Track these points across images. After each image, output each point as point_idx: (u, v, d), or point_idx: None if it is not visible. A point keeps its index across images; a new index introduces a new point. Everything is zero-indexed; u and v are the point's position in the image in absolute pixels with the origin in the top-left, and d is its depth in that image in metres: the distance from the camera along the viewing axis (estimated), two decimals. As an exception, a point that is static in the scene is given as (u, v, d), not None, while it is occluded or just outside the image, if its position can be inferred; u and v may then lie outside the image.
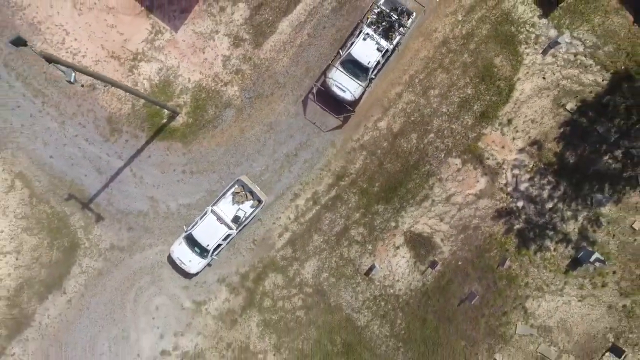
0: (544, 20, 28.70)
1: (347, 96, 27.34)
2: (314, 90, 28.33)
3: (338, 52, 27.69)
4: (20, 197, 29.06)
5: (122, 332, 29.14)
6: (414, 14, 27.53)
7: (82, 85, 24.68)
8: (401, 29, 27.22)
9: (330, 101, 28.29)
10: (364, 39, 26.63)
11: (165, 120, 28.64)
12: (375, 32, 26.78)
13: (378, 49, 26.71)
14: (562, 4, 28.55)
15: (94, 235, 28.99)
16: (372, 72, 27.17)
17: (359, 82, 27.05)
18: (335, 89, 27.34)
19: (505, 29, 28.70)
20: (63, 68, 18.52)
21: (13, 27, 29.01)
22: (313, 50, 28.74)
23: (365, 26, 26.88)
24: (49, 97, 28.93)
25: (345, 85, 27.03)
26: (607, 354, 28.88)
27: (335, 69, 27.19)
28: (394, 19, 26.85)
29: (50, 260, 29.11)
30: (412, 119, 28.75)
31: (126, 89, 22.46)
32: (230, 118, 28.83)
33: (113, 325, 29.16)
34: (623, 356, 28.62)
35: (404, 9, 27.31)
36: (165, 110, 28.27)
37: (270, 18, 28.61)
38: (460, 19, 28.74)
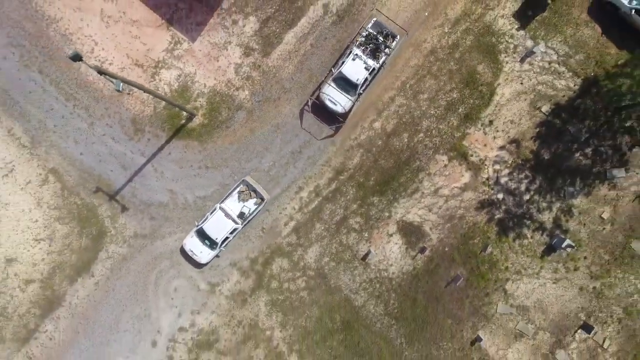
0: (522, 32, 32.06)
1: (339, 109, 30.68)
2: (310, 103, 31.70)
3: (330, 70, 30.99)
4: (53, 190, 32.42)
5: (144, 311, 32.42)
6: (398, 37, 30.85)
7: (129, 93, 27.71)
8: (386, 50, 30.53)
9: (324, 113, 31.63)
10: (354, 59, 30.01)
11: (183, 121, 32.00)
12: (363, 53, 30.14)
13: (366, 68, 30.08)
14: (538, 17, 31.92)
15: (119, 224, 32.33)
16: (360, 88, 30.50)
17: (348, 96, 30.39)
18: (328, 103, 30.67)
19: (487, 39, 32.07)
20: (113, 79, 21.82)
21: (47, 37, 32.40)
22: (315, 58, 32.12)
23: (354, 47, 30.25)
24: (79, 101, 32.29)
25: (336, 99, 30.38)
26: (579, 330, 32.16)
27: (328, 85, 30.52)
28: (380, 41, 30.22)
29: (79, 246, 32.45)
30: (404, 120, 32.11)
31: (156, 95, 25.84)
32: (241, 119, 32.20)
33: (136, 305, 32.45)
34: (593, 332, 31.92)
35: (389, 33, 30.64)
36: (184, 112, 31.62)
37: (277, 30, 32.00)
38: (446, 30, 32.11)
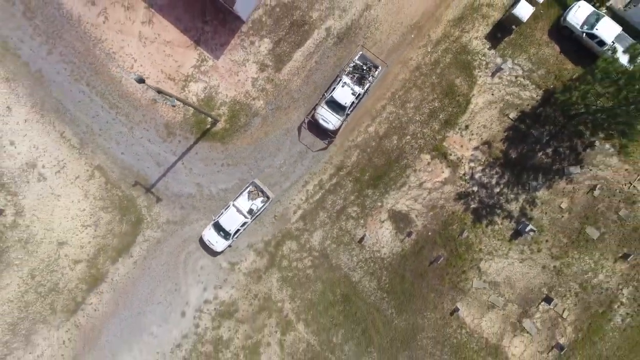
0: (492, 51, 38.11)
1: (330, 127, 36.67)
2: (306, 121, 37.75)
3: (323, 95, 36.97)
4: (98, 184, 38.43)
5: (175, 286, 38.30)
6: (380, 67, 36.90)
7: (174, 106, 33.68)
8: (370, 78, 36.56)
9: (318, 129, 37.57)
10: (343, 86, 36.10)
11: (208, 126, 38.03)
12: (351, 81, 36.17)
13: (353, 93, 36.14)
14: (506, 38, 37.98)
15: (154, 212, 38.30)
16: (348, 110, 36.52)
17: (338, 117, 36.41)
18: (321, 121, 36.67)
19: (463, 57, 38.13)
20: (168, 97, 27.77)
21: (94, 55, 38.51)
22: (319, 73, 38.18)
23: (344, 76, 36.30)
24: (120, 109, 38.35)
25: (328, 119, 36.41)
26: (542, 303, 37.98)
27: (321, 107, 36.48)
28: (365, 71, 36.31)
29: (120, 231, 38.41)
30: (394, 125, 38.13)
31: (190, 105, 31.85)
32: (257, 124, 38.24)
33: (168, 281, 38.35)
34: (553, 304, 37.76)
35: (372, 64, 36.65)
36: (209, 118, 37.63)
37: (287, 50, 38.09)
38: (429, 50, 38.18)
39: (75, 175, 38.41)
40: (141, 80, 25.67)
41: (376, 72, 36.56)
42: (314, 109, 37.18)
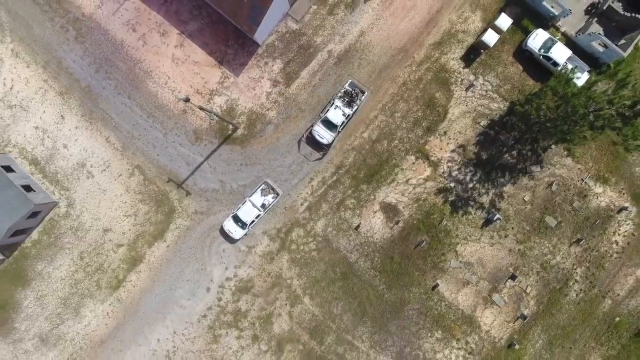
0: (466, 70, 45.68)
1: (324, 141, 44.19)
2: (305, 136, 45.22)
3: (319, 115, 44.46)
4: (137, 180, 45.96)
5: (201, 265, 45.68)
6: (366, 93, 44.49)
7: (212, 119, 41.10)
8: (358, 101, 44.22)
9: (315, 143, 45.00)
10: (335, 108, 43.77)
11: (230, 132, 45.60)
12: (341, 104, 43.80)
13: (343, 114, 43.77)
14: (478, 59, 45.56)
15: (184, 204, 45.79)
16: (339, 128, 43.99)
17: (331, 133, 43.97)
18: (317, 137, 44.20)
19: (442, 75, 45.74)
20: (208, 112, 35.29)
21: (134, 73, 46.15)
22: (322, 88, 45.78)
23: (336, 99, 43.92)
24: (156, 118, 45.94)
25: (323, 135, 44.01)
26: (508, 280, 45.28)
27: (317, 125, 43.97)
28: (353, 95, 43.93)
29: (156, 220, 45.87)
30: (384, 131, 45.68)
31: (217, 115, 39.44)
32: (270, 131, 45.81)
33: (195, 262, 45.74)
34: (517, 280, 45.10)
35: (360, 90, 44.28)
36: (230, 125, 45.23)
37: (296, 69, 45.72)
38: (414, 69, 45.79)
39: (119, 173, 45.95)
40: (187, 100, 33.25)
41: (363, 97, 44.29)
42: (311, 126, 44.73)
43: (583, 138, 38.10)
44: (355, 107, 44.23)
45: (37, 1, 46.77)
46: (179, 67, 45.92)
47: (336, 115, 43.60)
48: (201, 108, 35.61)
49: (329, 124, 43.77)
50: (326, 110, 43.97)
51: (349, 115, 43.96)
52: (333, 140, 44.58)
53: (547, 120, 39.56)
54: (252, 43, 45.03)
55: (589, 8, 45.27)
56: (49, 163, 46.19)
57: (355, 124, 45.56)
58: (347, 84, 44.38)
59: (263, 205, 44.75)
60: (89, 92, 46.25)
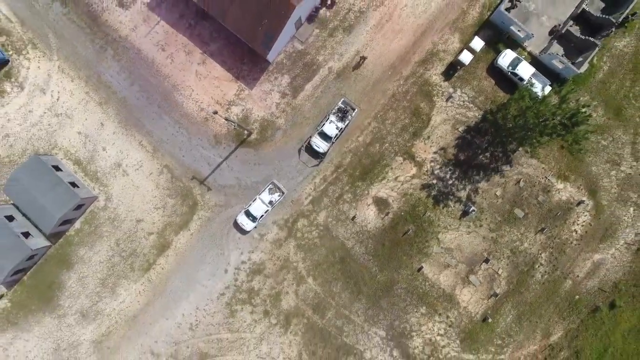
0: (446, 83, 53.51)
1: (321, 150, 51.85)
2: (304, 146, 52.92)
3: (316, 128, 52.12)
4: (166, 178, 53.78)
5: (220, 250, 53.38)
6: (356, 109, 52.23)
7: (235, 128, 49.07)
8: (349, 117, 52.02)
9: (313, 152, 52.66)
10: (329, 122, 51.62)
11: (245, 137, 53.47)
12: (335, 119, 51.61)
13: (337, 128, 51.61)
14: (456, 74, 53.39)
15: (206, 198, 53.58)
16: (333, 139, 51.62)
17: (327, 143, 51.68)
18: (314, 147, 51.91)
19: (426, 88, 53.59)
20: (232, 122, 43.22)
21: (163, 87, 54.09)
22: (324, 99, 53.65)
23: (331, 115, 51.73)
24: (182, 124, 53.82)
25: (319, 145, 51.79)
26: (483, 263, 52.86)
27: (315, 136, 51.64)
28: (345, 112, 51.75)
29: (182, 212, 53.65)
30: (376, 136, 53.50)
31: (235, 122, 47.34)
32: (279, 136, 53.65)
33: (215, 247, 53.44)
34: (490, 264, 52.70)
35: (351, 107, 52.04)
36: (245, 131, 53.10)
37: (301, 83, 53.64)
38: (401, 83, 53.65)
39: (150, 171, 53.81)
40: (215, 112, 41.26)
41: (353, 113, 52.19)
42: (310, 138, 52.54)
43: (538, 142, 45.90)
44: (347, 122, 52.14)
45: (80, 25, 54.82)
46: (202, 82, 53.85)
47: (331, 128, 51.55)
48: (226, 119, 43.66)
49: (325, 136, 51.68)
50: (322, 124, 51.92)
51: (341, 128, 51.85)
52: (328, 149, 52.33)
53: (511, 127, 47.36)
54: (264, 61, 52.95)
55: (552, 31, 53.11)
56: (90, 163, 54.07)
57: (352, 130, 53.39)
58: (340, 102, 52.27)
59: (270, 202, 52.50)
60: (124, 103, 54.17)
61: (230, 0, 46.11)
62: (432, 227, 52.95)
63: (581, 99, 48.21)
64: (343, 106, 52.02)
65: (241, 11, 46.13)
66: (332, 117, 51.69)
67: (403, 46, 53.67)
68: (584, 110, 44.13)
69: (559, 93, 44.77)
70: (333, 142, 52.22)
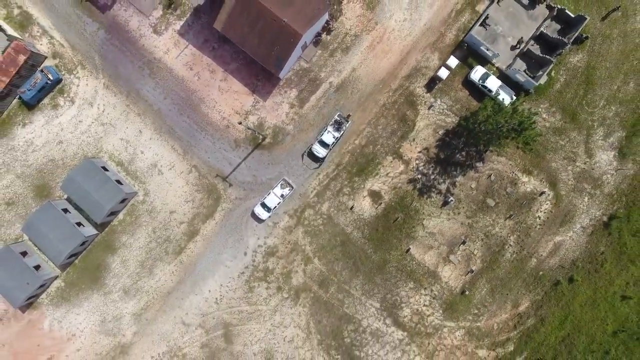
0: (428, 94, 63.80)
1: (320, 156, 62.02)
2: (306, 152, 63.23)
3: (316, 137, 62.56)
4: (194, 176, 64.27)
5: (240, 236, 63.68)
6: (350, 121, 62.62)
7: (255, 135, 59.68)
8: (344, 127, 62.38)
9: (313, 157, 62.83)
10: (327, 132, 61.97)
11: (260, 141, 63.94)
12: (332, 129, 61.98)
13: (333, 137, 61.95)
14: (436, 87, 63.71)
15: (228, 193, 63.98)
16: (330, 146, 61.81)
17: (325, 150, 61.91)
18: (315, 153, 62.15)
19: (411, 98, 63.92)
20: (255, 131, 53.65)
21: (191, 100, 64.58)
22: (325, 109, 64.05)
23: (328, 126, 62.07)
24: (207, 131, 64.22)
25: (319, 151, 62.08)
26: (461, 245, 62.90)
27: (315, 144, 61.79)
28: (341, 123, 62.12)
29: (208, 204, 64.03)
30: (370, 139, 63.81)
31: (255, 131, 57.79)
32: (289, 139, 64.08)
33: (236, 234, 63.74)
34: (467, 245, 62.75)
35: (346, 119, 62.48)
36: (261, 136, 63.56)
37: (307, 95, 64.11)
38: (390, 94, 64.01)
39: (181, 170, 64.32)
40: (239, 122, 51.85)
41: (347, 124, 62.54)
42: (310, 145, 62.80)
43: (499, 143, 56.31)
44: (342, 131, 62.48)
45: (121, 49, 65.55)
46: (224, 95, 64.42)
47: (328, 137, 61.95)
48: (247, 128, 54.22)
49: (324, 144, 62.08)
50: (321, 134, 62.25)
51: (337, 137, 62.20)
52: (326, 155, 62.66)
53: (478, 131, 57.76)
54: (275, 78, 63.48)
55: (512, 47, 63.37)
56: (131, 164, 64.62)
57: (349, 135, 63.77)
58: (336, 115, 62.67)
59: (282, 196, 62.82)
60: (159, 113, 64.77)
61: (248, 29, 56.66)
62: (418, 215, 63.04)
63: (532, 108, 58.72)
64: (338, 118, 62.41)
65: (258, 39, 56.70)
66: (330, 128, 62.11)
67: (392, 64, 64.07)
68: (529, 118, 54.54)
69: (513, 105, 55.18)
70: (330, 149, 62.53)
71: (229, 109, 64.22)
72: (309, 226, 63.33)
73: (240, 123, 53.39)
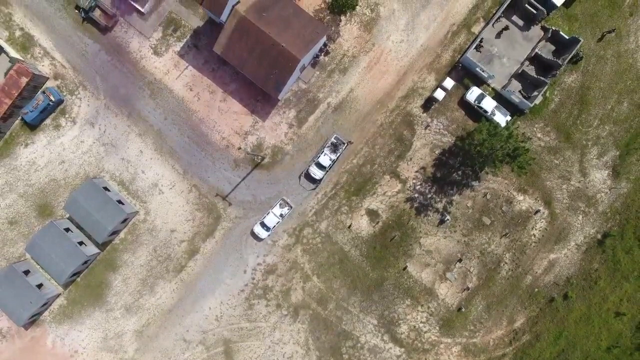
0: (425, 114, 64.63)
1: (317, 177, 62.99)
2: (304, 173, 64.14)
3: (313, 159, 63.48)
4: (194, 195, 65.11)
5: (240, 254, 64.64)
6: (347, 144, 63.57)
7: (255, 159, 60.82)
8: (340, 149, 63.32)
9: (310, 179, 63.78)
10: (324, 154, 62.88)
11: (259, 161, 64.93)
12: (329, 151, 62.88)
13: (330, 159, 62.87)
14: (433, 106, 64.68)
15: (227, 212, 64.97)
16: (327, 169, 62.73)
17: (322, 172, 62.79)
18: (312, 174, 63.09)
19: (408, 118, 64.90)
20: (254, 153, 54.66)
21: (191, 121, 65.53)
22: (324, 129, 65.02)
23: (325, 148, 62.97)
24: (207, 151, 65.11)
25: (316, 173, 63.00)
26: (457, 263, 63.96)
27: (312, 166, 62.76)
28: (337, 145, 63.00)
29: (207, 223, 65.01)
30: (367, 158, 64.78)
31: (253, 153, 58.78)
32: (287, 159, 65.04)
33: (235, 252, 64.70)
34: (464, 263, 63.76)
35: (342, 141, 63.34)
36: (260, 156, 64.52)
37: (305, 115, 65.06)
38: (388, 114, 64.97)
39: (181, 190, 65.33)
40: (239, 148, 52.77)
41: (344, 146, 63.51)
42: (307, 167, 63.71)
43: (493, 166, 57.40)
44: (339, 154, 63.46)
45: (122, 70, 66.48)
46: (223, 115, 65.41)
47: (325, 159, 63.00)
48: (248, 153, 55.32)
49: (320, 166, 63.12)
50: (318, 156, 63.24)
51: (334, 159, 63.17)
52: (323, 177, 63.64)
53: (473, 154, 58.80)
54: (274, 98, 64.47)
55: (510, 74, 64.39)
56: (132, 183, 65.62)
57: (347, 154, 64.77)
58: (333, 137, 63.65)
59: (281, 215, 63.81)
60: (160, 134, 65.75)
61: (247, 53, 57.63)
62: (415, 233, 64.06)
63: (527, 133, 60.00)
64: (335, 141, 63.40)
65: (256, 63, 57.67)
66: (326, 150, 63.09)
67: (389, 84, 65.05)
68: (523, 145, 55.79)
69: (508, 130, 56.21)
70: (327, 171, 63.52)
71: (228, 129, 65.19)
72: (307, 244, 64.33)
73: (239, 148, 54.26)
